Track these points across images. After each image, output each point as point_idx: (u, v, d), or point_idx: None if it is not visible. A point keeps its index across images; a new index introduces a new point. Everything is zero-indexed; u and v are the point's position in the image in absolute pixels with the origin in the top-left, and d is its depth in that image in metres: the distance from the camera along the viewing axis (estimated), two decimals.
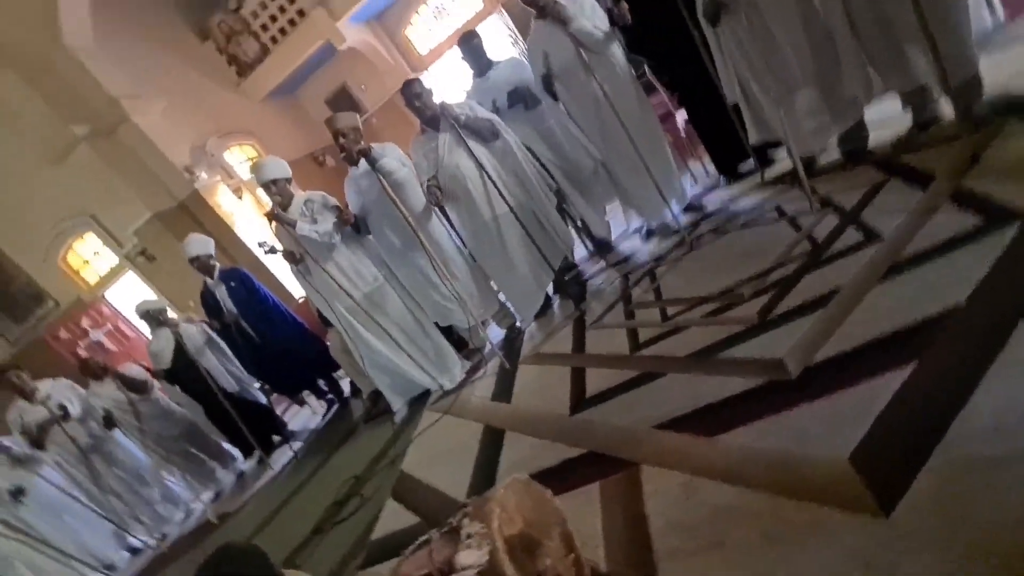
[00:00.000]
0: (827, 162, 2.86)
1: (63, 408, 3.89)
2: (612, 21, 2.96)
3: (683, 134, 3.91)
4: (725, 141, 3.33)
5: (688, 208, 3.45)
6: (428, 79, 11.39)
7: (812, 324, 1.83)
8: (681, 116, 3.68)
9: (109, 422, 4.01)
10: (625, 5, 2.87)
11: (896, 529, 1.11)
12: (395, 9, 11.08)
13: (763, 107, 2.72)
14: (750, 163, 3.29)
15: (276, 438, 4.50)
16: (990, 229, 1.72)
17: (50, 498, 3.78)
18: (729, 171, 3.46)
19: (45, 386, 4.12)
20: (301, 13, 9.46)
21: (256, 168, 3.18)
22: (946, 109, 2.43)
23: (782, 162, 3.16)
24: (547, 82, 3.07)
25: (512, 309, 3.61)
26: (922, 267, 1.76)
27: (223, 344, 4.22)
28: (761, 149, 3.20)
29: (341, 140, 3.02)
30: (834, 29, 2.39)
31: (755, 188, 3.16)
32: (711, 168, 3.67)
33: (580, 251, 3.98)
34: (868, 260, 1.95)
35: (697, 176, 3.85)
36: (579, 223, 3.75)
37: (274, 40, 9.78)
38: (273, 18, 9.64)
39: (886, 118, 2.76)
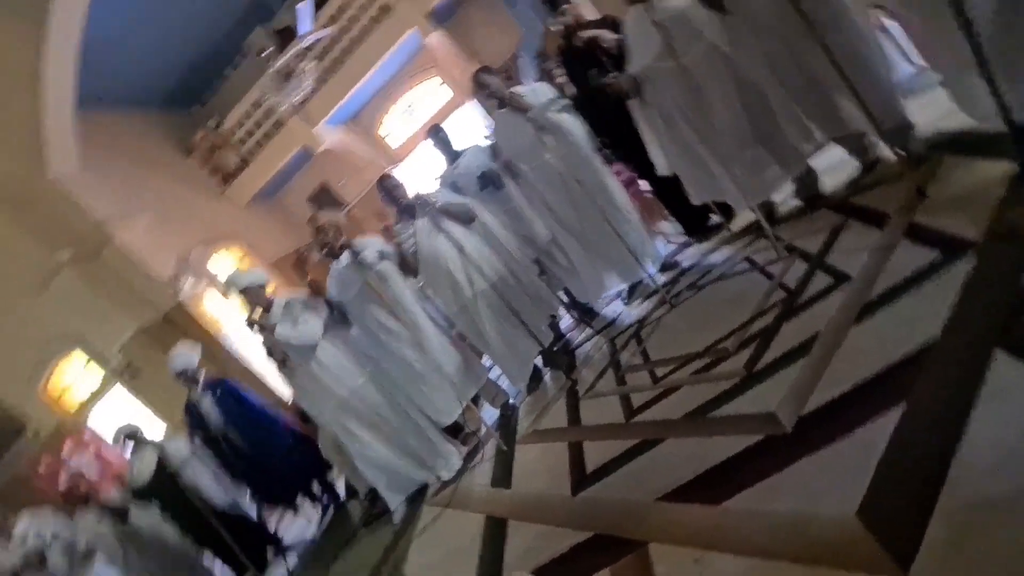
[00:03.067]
0: (787, 210, 2.98)
1: (41, 553, 3.64)
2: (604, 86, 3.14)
3: (647, 198, 4.07)
4: (686, 205, 3.47)
5: (664, 267, 3.53)
6: (402, 171, 11.91)
7: (798, 373, 1.83)
8: (644, 183, 3.84)
9: (87, 556, 3.77)
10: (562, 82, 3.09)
11: None
12: (368, 110, 11.76)
13: (711, 168, 2.85)
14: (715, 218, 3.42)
15: (270, 551, 4.22)
16: (947, 261, 1.78)
17: None
18: (697, 232, 3.58)
19: (23, 523, 3.88)
20: (278, 124, 9.99)
21: (228, 280, 3.23)
22: (887, 151, 2.58)
23: (745, 214, 3.28)
24: (503, 170, 3.21)
25: (504, 385, 3.57)
26: (892, 305, 1.80)
27: (209, 457, 4.07)
28: (723, 204, 3.34)
29: (321, 236, 3.11)
30: (765, 88, 2.57)
31: (724, 241, 3.26)
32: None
33: (566, 320, 4.00)
34: (841, 303, 1.99)
35: (669, 235, 3.96)
36: (562, 292, 3.79)
37: (254, 150, 10.25)
38: (251, 132, 10.16)
39: (836, 163, 2.91)
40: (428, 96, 11.95)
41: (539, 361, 3.55)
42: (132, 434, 3.95)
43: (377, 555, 3.06)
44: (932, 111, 2.65)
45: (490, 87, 3.17)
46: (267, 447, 3.90)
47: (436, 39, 10.08)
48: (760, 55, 2.48)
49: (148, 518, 3.99)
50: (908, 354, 1.57)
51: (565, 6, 3.26)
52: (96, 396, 8.16)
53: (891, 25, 2.64)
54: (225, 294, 8.38)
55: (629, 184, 4.17)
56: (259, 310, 3.07)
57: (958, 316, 1.57)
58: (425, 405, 3.29)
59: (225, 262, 9.60)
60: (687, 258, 3.46)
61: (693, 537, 1.57)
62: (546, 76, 3.35)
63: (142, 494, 3.89)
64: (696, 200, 2.97)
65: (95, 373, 7.99)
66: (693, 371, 2.31)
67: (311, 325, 3.07)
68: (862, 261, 2.10)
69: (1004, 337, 1.40)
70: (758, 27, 2.41)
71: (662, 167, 2.93)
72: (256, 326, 2.99)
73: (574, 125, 3.27)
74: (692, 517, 1.64)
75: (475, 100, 11.12)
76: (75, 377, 8.22)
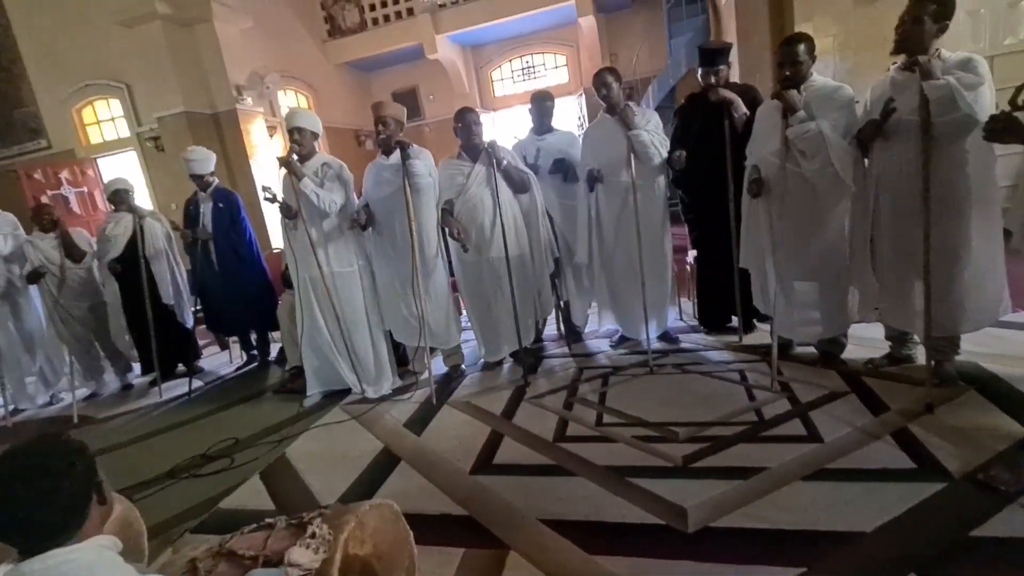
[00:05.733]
0: (801, 351, 2.96)
1: None
2: (668, 159, 3.15)
3: (688, 270, 4.04)
4: (715, 298, 3.46)
5: (663, 336, 3.51)
6: (489, 119, 11.85)
7: (727, 490, 1.83)
8: (693, 254, 3.82)
9: (33, 277, 3.77)
10: (684, 155, 3.07)
11: None
12: (493, 48, 11.69)
13: (767, 281, 2.82)
14: (735, 321, 3.40)
15: (181, 368, 4.26)
16: (918, 477, 1.77)
17: None
18: (710, 325, 3.56)
19: None
20: (410, 12, 9.93)
21: (291, 113, 3.19)
22: (921, 355, 2.56)
23: (763, 334, 3.27)
24: (591, 178, 3.19)
25: (464, 351, 3.57)
26: (846, 483, 1.79)
27: (177, 254, 4.09)
28: (748, 314, 3.32)
29: (381, 127, 3.07)
30: (856, 241, 2.54)
31: (731, 346, 3.25)
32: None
33: (550, 329, 3.99)
34: (802, 455, 1.98)
35: (685, 313, 3.94)
36: (562, 303, 3.78)
37: (375, 22, 10.21)
38: (383, 3, 10.10)
39: (867, 338, 2.89)
40: (548, 69, 11.90)
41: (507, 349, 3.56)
42: (124, 195, 3.93)
43: (271, 422, 3.09)
44: (987, 346, 2.61)
45: (611, 89, 3.13)
46: (235, 275, 3.90)
47: (588, 23, 9.99)
48: (868, 209, 2.45)
49: (104, 281, 4.00)
50: (833, 530, 1.57)
51: (722, 66, 3.21)
52: (114, 146, 8.21)
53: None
54: (274, 130, 8.38)
55: (678, 250, 4.14)
56: (296, 157, 3.05)
57: (896, 525, 1.56)
58: (393, 323, 3.30)
59: (290, 101, 9.61)
60: (689, 341, 3.44)
61: (552, 567, 1.58)
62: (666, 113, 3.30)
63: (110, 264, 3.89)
64: (758, 305, 2.99)
65: (124, 126, 8.03)
66: (636, 435, 2.31)
67: (334, 195, 3.07)
68: (842, 432, 2.10)
69: (926, 568, 1.39)
70: (884, 183, 2.38)
71: (744, 259, 2.93)
72: (288, 166, 2.96)
73: (662, 168, 3.24)
74: (561, 550, 1.65)
75: (582, 96, 11.12)
76: (105, 121, 8.26)
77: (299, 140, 3.06)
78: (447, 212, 3.10)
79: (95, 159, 8.21)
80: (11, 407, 3.96)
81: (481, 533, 1.80)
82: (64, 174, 7.68)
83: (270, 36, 8.71)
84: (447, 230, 3.11)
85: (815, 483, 1.81)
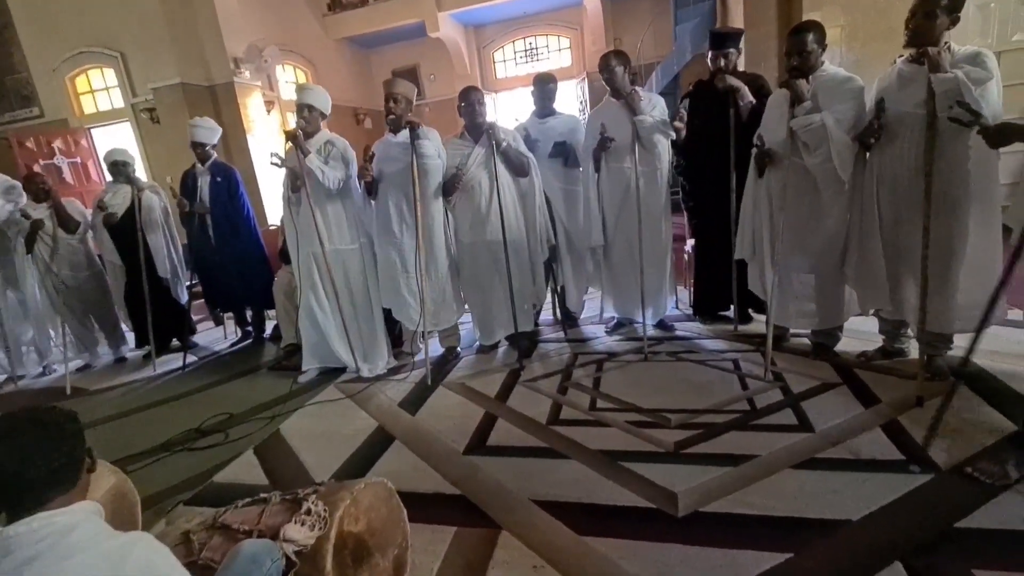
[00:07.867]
0: (795, 342, 2.97)
1: None
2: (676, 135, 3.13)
3: (686, 259, 4.05)
4: (712, 287, 3.46)
5: (659, 324, 3.52)
6: (490, 101, 11.72)
7: (718, 476, 1.86)
8: (691, 243, 3.81)
9: (30, 244, 3.72)
10: (680, 126, 3.03)
11: None
12: (495, 28, 11.52)
13: (764, 268, 2.82)
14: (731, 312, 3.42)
15: (175, 342, 4.25)
16: (906, 469, 1.79)
17: None
18: (704, 314, 3.58)
19: None
20: None
21: (303, 89, 3.14)
22: (913, 349, 2.58)
23: (758, 324, 3.28)
24: (602, 144, 3.12)
25: (461, 333, 3.57)
26: (835, 472, 1.82)
27: (174, 229, 4.05)
28: (744, 304, 3.33)
29: (391, 104, 3.04)
30: (855, 233, 2.54)
31: (726, 335, 3.26)
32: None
33: (546, 314, 3.99)
34: (792, 444, 2.00)
35: (681, 302, 3.95)
36: (558, 288, 3.78)
37: None
38: None
39: (861, 331, 2.91)
40: (551, 51, 11.75)
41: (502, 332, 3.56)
42: (123, 166, 3.87)
43: (266, 398, 3.09)
44: (983, 343, 2.62)
45: (616, 73, 3.09)
46: (232, 250, 3.87)
47: (594, 6, 9.85)
48: (872, 207, 2.44)
49: (104, 251, 3.96)
50: (820, 518, 1.60)
51: (732, 50, 3.17)
52: (108, 117, 8.07)
53: None
54: (271, 104, 8.25)
55: (677, 239, 4.13)
56: (301, 133, 3.01)
57: (883, 514, 1.59)
58: (392, 300, 3.29)
59: (289, 76, 9.46)
60: (685, 329, 3.45)
61: (544, 547, 1.60)
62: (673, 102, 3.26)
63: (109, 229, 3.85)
64: (752, 286, 2.99)
65: (119, 97, 7.89)
66: (629, 420, 2.33)
67: (337, 172, 3.05)
68: (833, 423, 2.12)
69: (910, 557, 1.42)
70: (885, 176, 2.37)
71: (740, 250, 2.92)
72: (295, 141, 2.94)
73: (665, 152, 3.22)
74: (553, 531, 1.67)
75: (584, 80, 10.98)
76: (100, 90, 8.10)
77: (308, 119, 3.05)
78: (459, 176, 3.08)
79: (89, 129, 8.07)
80: (3, 375, 3.94)
81: (473, 512, 1.82)
82: (57, 143, 7.56)
83: (269, 8, 8.54)
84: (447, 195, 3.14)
85: (804, 471, 1.83)
